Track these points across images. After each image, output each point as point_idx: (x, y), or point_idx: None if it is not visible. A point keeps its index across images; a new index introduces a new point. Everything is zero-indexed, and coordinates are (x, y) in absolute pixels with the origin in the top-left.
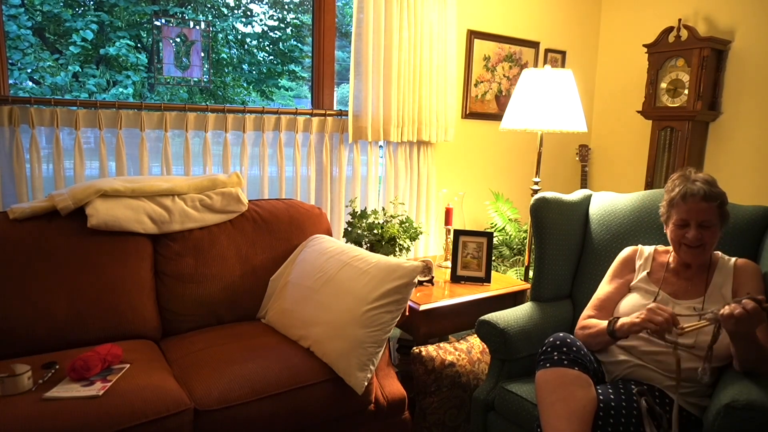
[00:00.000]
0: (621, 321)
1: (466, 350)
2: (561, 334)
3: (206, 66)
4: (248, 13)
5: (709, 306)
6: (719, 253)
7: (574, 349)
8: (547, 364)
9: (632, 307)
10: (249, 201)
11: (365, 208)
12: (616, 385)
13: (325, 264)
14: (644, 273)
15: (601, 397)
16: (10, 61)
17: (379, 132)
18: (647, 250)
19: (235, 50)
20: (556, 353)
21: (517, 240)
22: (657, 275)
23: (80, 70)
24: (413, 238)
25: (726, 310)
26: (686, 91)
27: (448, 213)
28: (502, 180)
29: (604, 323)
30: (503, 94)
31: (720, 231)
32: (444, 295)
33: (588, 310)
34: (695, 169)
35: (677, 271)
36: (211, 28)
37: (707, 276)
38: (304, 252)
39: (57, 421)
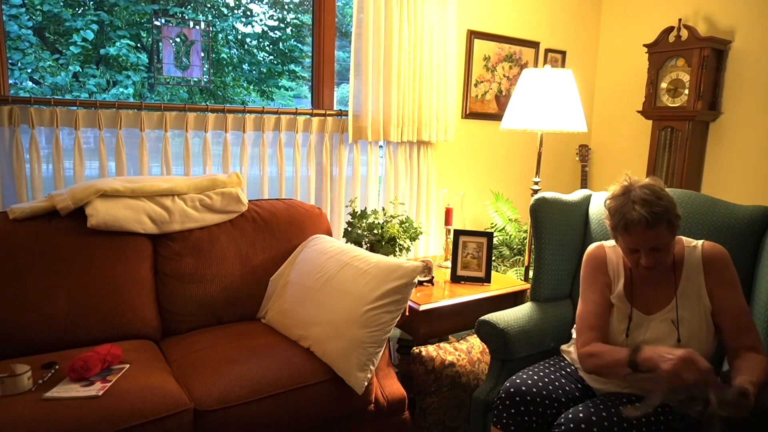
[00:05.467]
0: (646, 354)
1: (466, 350)
2: (517, 381)
3: (206, 66)
4: (248, 13)
5: (683, 311)
6: (683, 239)
7: (529, 399)
8: (498, 425)
9: (613, 330)
10: (249, 201)
11: (365, 208)
12: (605, 401)
13: (325, 264)
14: (620, 285)
15: (570, 416)
16: (10, 61)
17: (379, 132)
18: (612, 253)
19: (235, 50)
20: (505, 414)
21: (517, 240)
22: (627, 286)
23: (80, 70)
24: (413, 238)
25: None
26: (686, 91)
27: (448, 213)
28: (502, 180)
29: (622, 352)
30: (503, 94)
31: (674, 241)
32: (444, 295)
33: (586, 332)
34: (634, 177)
35: (643, 278)
36: (211, 28)
37: (675, 275)
38: (304, 252)
39: (57, 422)
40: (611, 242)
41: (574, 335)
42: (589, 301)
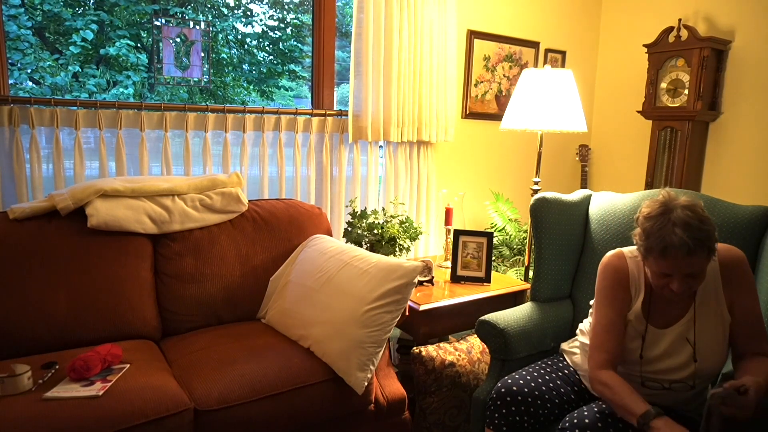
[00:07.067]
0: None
1: (466, 350)
2: (509, 381)
3: (206, 66)
4: (248, 13)
5: (700, 324)
6: None
7: (520, 400)
8: (490, 426)
9: (626, 348)
10: (249, 201)
11: (365, 208)
12: (601, 407)
13: (325, 264)
14: (639, 301)
15: (575, 421)
16: (10, 61)
17: (379, 132)
18: (634, 265)
19: (235, 50)
20: (497, 414)
21: (517, 240)
22: (645, 302)
23: (80, 70)
24: (413, 238)
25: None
26: (686, 91)
27: (448, 213)
28: (502, 180)
29: (635, 403)
30: (503, 94)
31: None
32: (444, 295)
33: (599, 352)
34: (673, 192)
35: (665, 295)
36: (211, 28)
37: None
38: (305, 252)
39: (57, 421)
40: (630, 249)
41: (578, 333)
42: (605, 318)
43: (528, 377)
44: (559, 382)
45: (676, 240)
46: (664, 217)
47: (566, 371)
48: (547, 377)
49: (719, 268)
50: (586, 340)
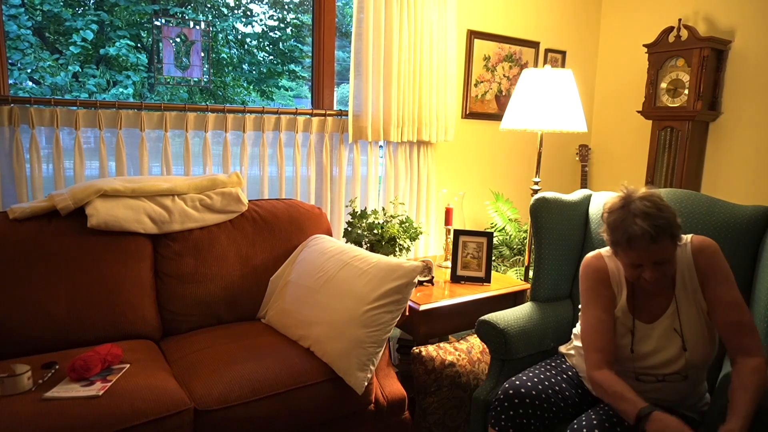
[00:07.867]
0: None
1: (466, 350)
2: (517, 383)
3: (206, 66)
4: (248, 13)
5: (684, 314)
6: None
7: (528, 402)
8: (495, 427)
9: (617, 345)
10: (249, 201)
11: (365, 208)
12: (607, 412)
13: (325, 264)
14: (624, 297)
15: (584, 429)
16: (10, 61)
17: (379, 132)
18: (613, 263)
19: (235, 50)
20: (503, 416)
21: (517, 240)
22: (630, 298)
23: (80, 70)
24: (413, 238)
25: None
26: (686, 91)
27: (448, 213)
28: (502, 180)
29: (629, 403)
30: (503, 94)
31: (676, 251)
32: (444, 295)
33: (592, 352)
34: (632, 187)
35: (643, 287)
36: (211, 28)
37: (673, 277)
38: (305, 252)
39: (57, 421)
40: (607, 249)
41: (573, 337)
42: (593, 318)
43: (535, 379)
44: (564, 384)
45: (638, 230)
46: (624, 210)
47: (569, 373)
48: (552, 380)
49: (692, 257)
50: (580, 344)
